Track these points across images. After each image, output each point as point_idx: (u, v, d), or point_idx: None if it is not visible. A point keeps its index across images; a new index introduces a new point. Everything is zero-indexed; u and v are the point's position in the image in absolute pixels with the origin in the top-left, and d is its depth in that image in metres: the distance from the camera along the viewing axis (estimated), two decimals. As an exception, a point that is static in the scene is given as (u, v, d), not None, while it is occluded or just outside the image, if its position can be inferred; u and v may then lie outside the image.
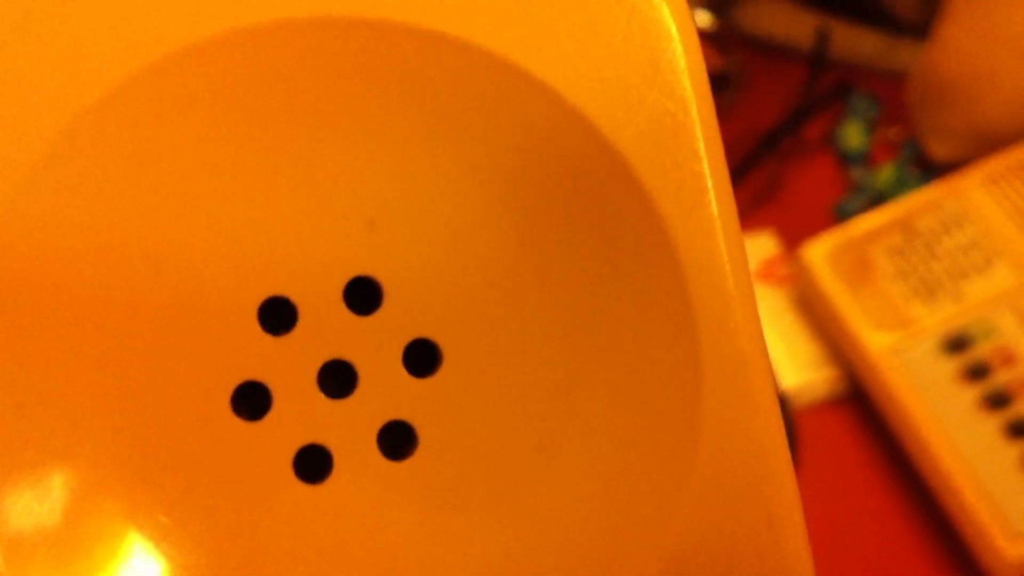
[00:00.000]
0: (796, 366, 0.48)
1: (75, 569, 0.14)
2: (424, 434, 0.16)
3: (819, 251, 0.47)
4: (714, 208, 0.15)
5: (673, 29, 0.15)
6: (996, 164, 0.48)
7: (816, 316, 0.48)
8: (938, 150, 0.51)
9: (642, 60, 0.15)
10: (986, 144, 0.49)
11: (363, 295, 0.16)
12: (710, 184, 0.15)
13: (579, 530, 0.15)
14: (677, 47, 0.15)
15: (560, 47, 0.15)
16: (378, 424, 0.16)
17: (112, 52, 0.14)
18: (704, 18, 0.55)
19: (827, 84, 0.54)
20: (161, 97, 0.14)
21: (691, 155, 0.15)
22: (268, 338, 0.15)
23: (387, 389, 0.16)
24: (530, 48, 0.15)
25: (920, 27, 0.54)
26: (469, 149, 0.15)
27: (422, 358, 0.16)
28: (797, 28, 0.56)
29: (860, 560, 0.45)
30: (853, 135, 0.54)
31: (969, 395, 0.43)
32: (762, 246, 0.50)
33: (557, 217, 0.15)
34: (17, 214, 0.14)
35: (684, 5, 0.15)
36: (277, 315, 0.15)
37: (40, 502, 0.14)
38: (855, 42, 0.56)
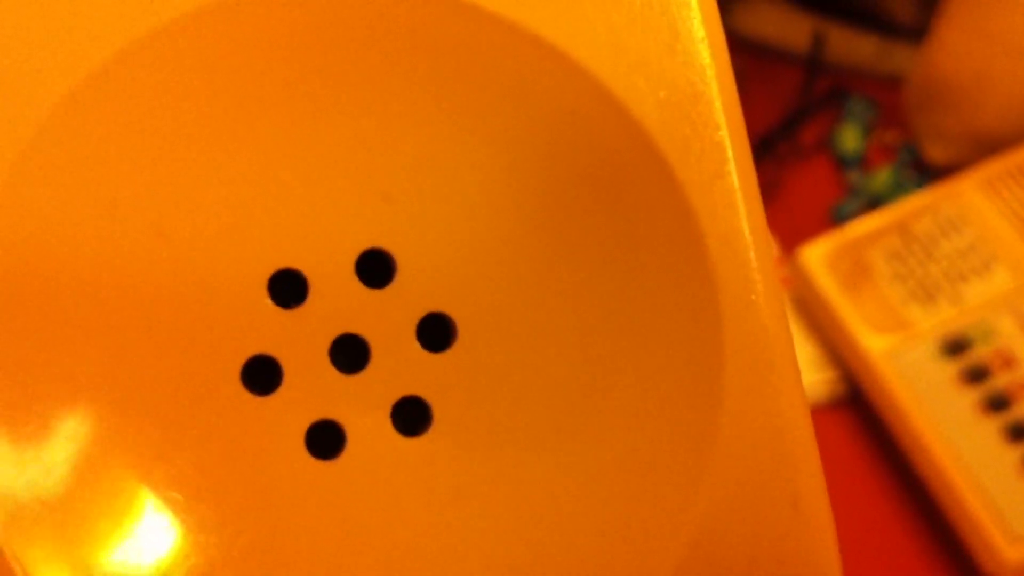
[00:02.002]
0: None
1: (81, 543, 0.14)
2: (438, 410, 0.15)
3: (816, 254, 0.47)
4: (735, 179, 0.14)
5: (693, -1, 0.15)
6: (993, 167, 0.48)
7: (814, 319, 0.48)
8: (935, 153, 0.51)
9: (661, 29, 0.14)
10: (983, 147, 0.50)
11: (376, 268, 0.15)
12: (731, 154, 0.14)
13: (599, 510, 0.15)
14: (696, 16, 0.14)
15: (580, 17, 0.14)
16: (391, 400, 0.15)
17: (120, 15, 0.14)
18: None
19: (824, 87, 0.54)
20: (173, 62, 0.14)
21: (711, 125, 0.14)
22: (279, 311, 0.15)
23: (400, 364, 0.15)
24: (550, 19, 0.14)
25: (917, 31, 0.54)
26: (489, 121, 0.15)
27: (436, 332, 0.16)
28: (794, 31, 0.56)
29: (860, 563, 0.44)
30: (850, 138, 0.54)
31: (968, 398, 0.43)
32: (760, 248, 0.50)
33: (577, 190, 0.15)
34: (24, 180, 0.14)
35: (703, -26, 0.15)
36: (288, 288, 0.15)
37: (46, 476, 0.14)
38: (852, 45, 0.56)
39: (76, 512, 0.14)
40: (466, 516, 0.15)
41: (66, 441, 0.14)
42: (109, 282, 0.14)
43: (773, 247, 0.50)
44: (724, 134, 0.14)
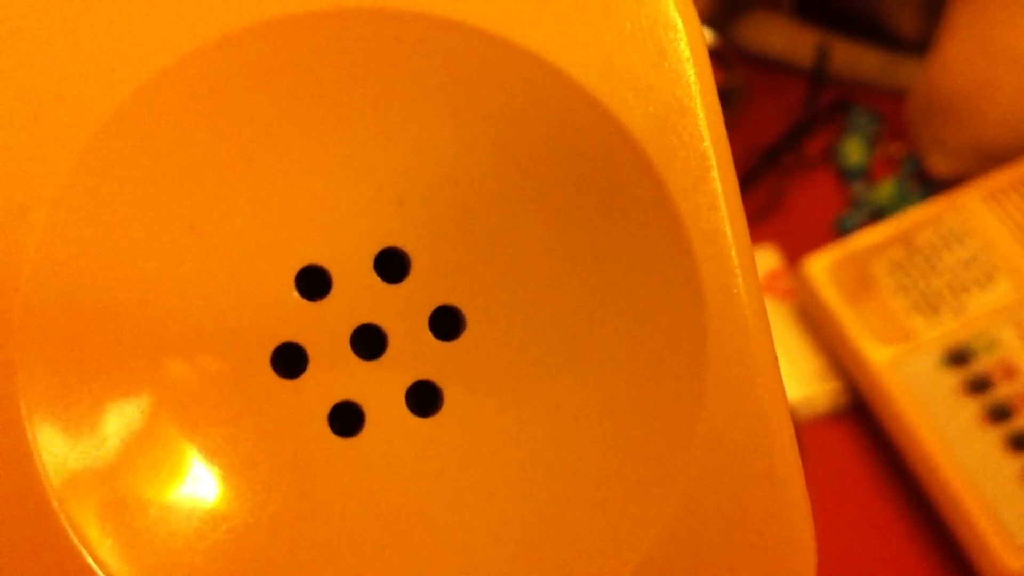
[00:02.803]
0: (798, 379, 0.48)
1: (128, 507, 0.15)
2: (449, 393, 0.17)
3: (820, 265, 0.47)
4: (717, 183, 0.16)
5: (678, 21, 0.16)
6: (996, 180, 0.48)
7: (818, 329, 0.48)
8: (938, 166, 0.52)
9: (650, 49, 0.16)
10: (986, 160, 0.49)
11: (392, 265, 0.17)
12: (713, 162, 0.16)
13: (593, 479, 0.16)
14: (682, 37, 0.16)
15: (576, 36, 0.16)
16: (406, 383, 0.17)
17: (155, 41, 0.15)
18: (706, 35, 0.55)
19: (828, 100, 0.54)
20: (211, 80, 0.16)
21: (696, 135, 0.16)
22: (305, 304, 0.17)
23: (415, 351, 0.17)
24: (548, 40, 0.16)
25: (920, 44, 0.54)
26: (493, 132, 0.16)
27: (447, 323, 0.17)
28: (798, 45, 0.56)
29: (863, 571, 0.45)
30: (854, 151, 0.54)
31: (970, 408, 0.44)
32: (764, 260, 0.51)
33: (572, 192, 0.16)
34: (78, 186, 0.15)
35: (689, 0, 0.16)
36: (313, 283, 0.17)
37: (98, 448, 0.15)
38: (856, 59, 0.56)
39: (124, 480, 0.15)
40: (471, 487, 0.16)
41: (116, 418, 0.15)
42: (152, 277, 0.16)
43: (775, 259, 0.51)
44: (708, 144, 0.16)
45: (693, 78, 0.16)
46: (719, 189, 0.16)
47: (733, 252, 0.16)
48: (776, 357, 0.16)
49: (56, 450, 0.15)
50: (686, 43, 0.16)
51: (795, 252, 0.50)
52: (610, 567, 0.16)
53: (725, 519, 0.16)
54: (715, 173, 0.16)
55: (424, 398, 0.17)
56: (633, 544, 0.16)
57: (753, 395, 0.16)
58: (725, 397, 0.16)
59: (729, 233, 0.16)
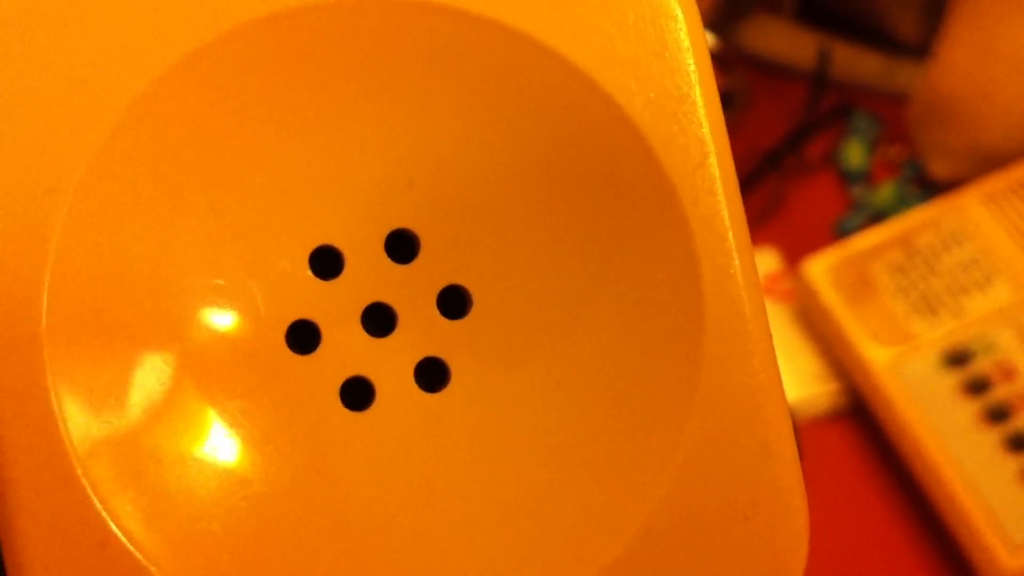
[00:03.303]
0: (798, 380, 0.48)
1: (151, 476, 0.16)
2: (456, 370, 0.18)
3: (820, 267, 0.48)
4: (715, 169, 0.17)
5: (679, 12, 0.17)
6: (995, 182, 0.48)
7: (817, 331, 0.48)
8: (938, 169, 0.51)
9: (651, 39, 0.17)
10: (985, 163, 0.49)
11: (402, 246, 0.18)
12: (711, 148, 0.17)
13: (594, 451, 0.17)
14: (682, 27, 0.17)
15: (580, 26, 0.17)
16: (415, 360, 0.18)
17: (176, 29, 0.16)
18: (707, 38, 0.56)
19: (828, 103, 0.54)
20: (230, 67, 0.16)
21: (695, 123, 0.17)
22: (318, 282, 0.17)
23: (423, 329, 0.17)
24: (552, 25, 0.17)
25: (920, 48, 0.54)
26: (498, 116, 0.17)
27: (454, 302, 0.18)
28: (799, 48, 0.56)
29: (861, 572, 0.45)
30: (854, 154, 0.54)
31: (969, 409, 0.44)
32: (764, 262, 0.51)
33: (575, 175, 0.17)
34: (103, 169, 0.16)
35: (688, -9, 0.17)
36: (327, 262, 0.17)
37: (120, 417, 0.16)
38: (856, 62, 0.56)
39: (146, 450, 0.16)
40: (477, 458, 0.17)
41: (138, 389, 0.16)
42: (173, 255, 0.17)
43: (775, 261, 0.52)
44: (706, 131, 0.17)
45: (692, 67, 0.17)
46: (717, 175, 0.17)
47: (730, 235, 0.16)
48: (770, 334, 0.17)
49: (81, 420, 0.15)
50: (686, 33, 0.17)
51: (795, 254, 0.50)
52: (609, 536, 0.16)
53: (720, 490, 0.16)
54: (713, 159, 0.17)
55: (432, 374, 0.18)
56: (631, 514, 0.16)
57: (749, 370, 0.16)
58: (721, 372, 0.16)
59: (726, 216, 0.17)
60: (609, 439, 0.17)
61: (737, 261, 0.16)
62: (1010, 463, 0.43)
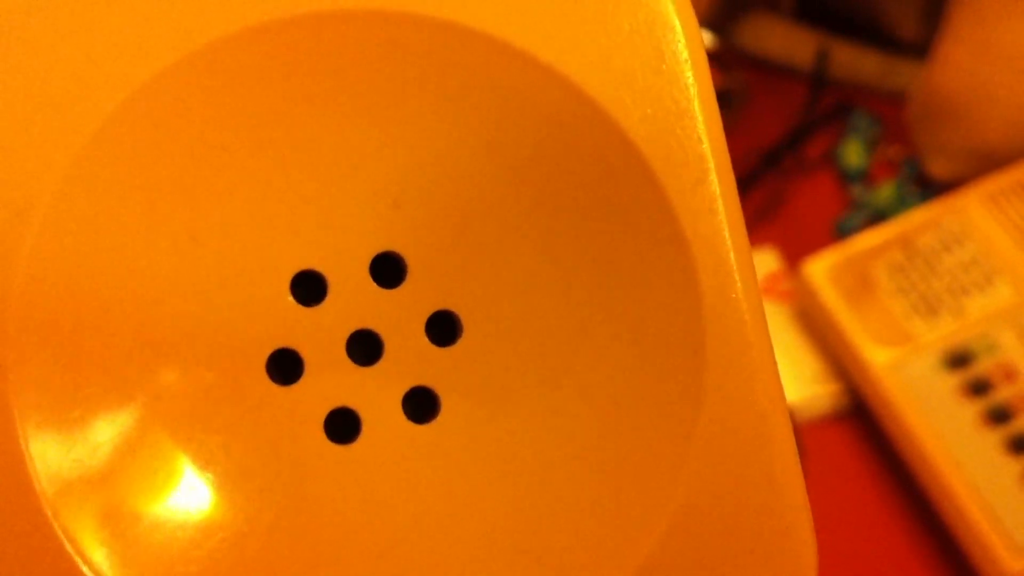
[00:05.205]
0: (798, 381, 0.48)
1: (122, 516, 0.15)
2: (446, 400, 0.17)
3: (820, 267, 0.48)
4: (715, 187, 0.16)
5: (676, 23, 0.16)
6: (995, 182, 0.48)
7: (817, 331, 0.48)
8: (938, 169, 0.52)
9: (648, 51, 0.16)
10: (985, 163, 0.49)
11: (388, 269, 0.17)
12: (711, 164, 0.16)
13: (594, 483, 0.16)
14: (680, 39, 0.16)
15: (573, 38, 0.16)
16: (403, 390, 0.17)
17: (151, 43, 0.15)
18: (706, 37, 0.56)
19: (828, 103, 0.54)
20: (207, 84, 0.16)
21: (694, 138, 0.16)
22: (300, 309, 0.16)
23: (411, 357, 0.17)
24: (546, 42, 0.16)
25: (920, 47, 0.54)
26: (486, 133, 0.16)
27: (444, 328, 0.17)
28: (798, 47, 0.56)
29: (863, 574, 0.45)
30: (853, 153, 0.54)
31: (970, 410, 0.44)
32: (764, 262, 0.51)
33: (570, 195, 0.16)
34: (74, 188, 0.15)
35: (687, 1, 0.16)
36: (308, 288, 0.17)
37: (91, 456, 0.15)
38: (856, 62, 0.56)
39: (118, 489, 0.15)
40: (469, 493, 0.16)
41: (109, 425, 0.15)
42: (147, 281, 0.16)
43: (775, 261, 0.51)
44: (706, 147, 0.16)
45: (691, 80, 0.16)
46: (717, 192, 0.16)
47: (731, 256, 0.16)
48: (775, 360, 0.16)
49: (50, 458, 0.15)
50: (684, 45, 0.16)
51: (795, 254, 0.50)
52: (610, 571, 0.16)
53: (725, 522, 0.16)
54: (713, 176, 0.16)
55: (421, 404, 0.17)
56: (632, 548, 0.16)
57: (752, 398, 0.16)
58: (724, 400, 0.16)
59: (727, 236, 0.16)
60: (607, 473, 0.16)
61: (739, 284, 0.16)
62: (1012, 464, 0.43)
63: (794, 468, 0.16)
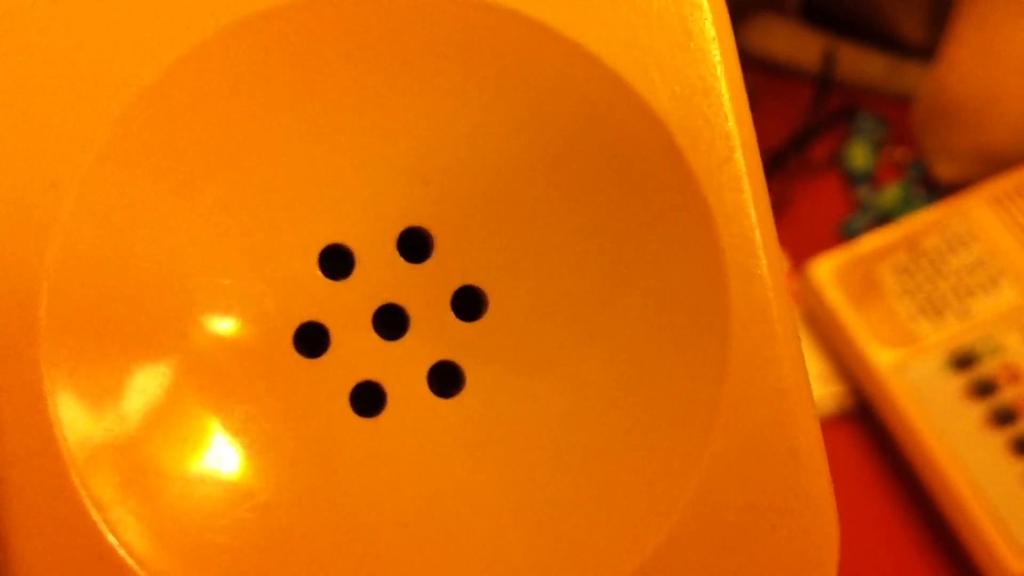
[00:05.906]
0: None
1: (150, 485, 0.15)
2: (471, 374, 0.17)
3: (826, 268, 0.48)
4: (742, 165, 0.16)
5: (704, 1, 0.16)
6: (1001, 185, 0.48)
7: (823, 332, 0.48)
8: (944, 171, 0.52)
9: (675, 29, 0.16)
10: (991, 165, 0.50)
11: (415, 244, 0.17)
12: (738, 142, 0.16)
13: (617, 458, 0.16)
14: (707, 17, 0.16)
15: (601, 16, 0.16)
16: (428, 364, 0.17)
17: (184, 20, 0.15)
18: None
19: (834, 105, 0.55)
20: (233, 62, 0.16)
21: (720, 116, 0.16)
22: (328, 283, 0.17)
23: (436, 332, 0.17)
24: (575, 19, 0.16)
25: (926, 49, 0.54)
26: (518, 111, 0.16)
27: (469, 303, 0.17)
28: (804, 49, 0.56)
29: (866, 574, 0.45)
30: (859, 155, 0.54)
31: (975, 412, 0.44)
32: (770, 262, 0.51)
33: (597, 172, 0.16)
34: (109, 164, 0.15)
35: (713, -21, 0.16)
36: (336, 262, 0.17)
37: (121, 424, 0.15)
38: (862, 64, 0.56)
39: (146, 457, 0.15)
40: (493, 466, 0.16)
41: (139, 394, 0.15)
42: (177, 253, 0.16)
43: (784, 262, 0.51)
44: (732, 124, 0.16)
45: (718, 58, 0.16)
46: (744, 170, 0.16)
47: (757, 233, 0.16)
48: (799, 337, 0.16)
49: (79, 425, 0.15)
50: (711, 22, 0.16)
51: (800, 256, 0.50)
52: (633, 545, 0.16)
53: (748, 498, 0.16)
54: (739, 154, 0.16)
55: (446, 378, 0.17)
56: (656, 521, 0.16)
57: (776, 374, 0.16)
58: (748, 376, 0.16)
59: (753, 214, 0.16)
60: (631, 445, 0.16)
61: (764, 260, 0.16)
62: (1016, 466, 0.43)
63: (817, 444, 0.16)
